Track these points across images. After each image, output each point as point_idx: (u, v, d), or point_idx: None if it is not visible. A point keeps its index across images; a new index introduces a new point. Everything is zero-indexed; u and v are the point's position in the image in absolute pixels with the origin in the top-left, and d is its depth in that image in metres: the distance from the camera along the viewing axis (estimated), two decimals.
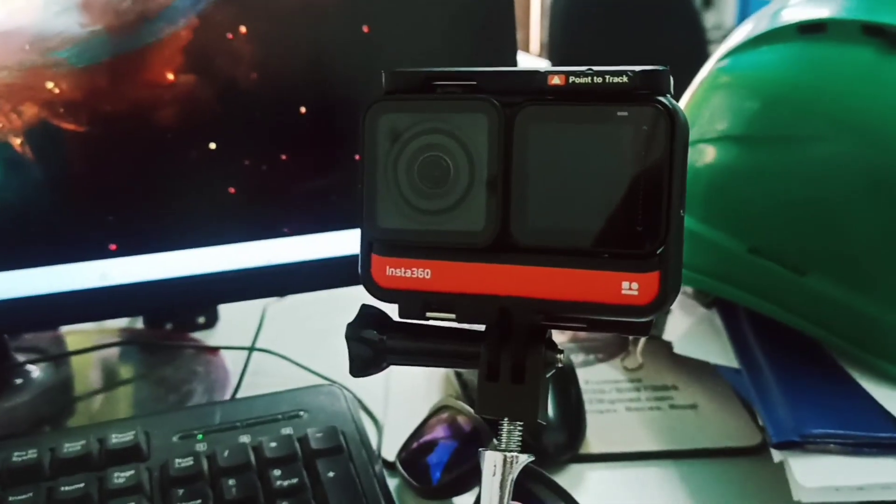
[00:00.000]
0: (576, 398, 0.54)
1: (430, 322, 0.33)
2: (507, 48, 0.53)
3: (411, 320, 0.34)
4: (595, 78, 0.30)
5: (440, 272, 0.33)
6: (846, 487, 0.41)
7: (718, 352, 0.54)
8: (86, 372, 0.61)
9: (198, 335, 0.68)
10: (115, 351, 0.64)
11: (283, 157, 0.50)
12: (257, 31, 0.49)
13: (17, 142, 0.46)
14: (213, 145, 0.49)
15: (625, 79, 0.29)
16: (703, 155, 0.56)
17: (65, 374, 0.61)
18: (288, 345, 0.64)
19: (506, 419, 0.32)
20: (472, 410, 0.51)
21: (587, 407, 0.54)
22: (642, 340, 0.60)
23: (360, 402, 0.58)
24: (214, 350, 0.64)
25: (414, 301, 0.33)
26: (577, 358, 0.63)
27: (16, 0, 0.45)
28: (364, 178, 0.33)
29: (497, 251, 0.31)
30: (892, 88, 0.48)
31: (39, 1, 0.45)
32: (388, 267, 0.33)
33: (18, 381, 0.58)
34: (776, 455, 0.44)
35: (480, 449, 0.32)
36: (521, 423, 0.32)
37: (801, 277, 0.49)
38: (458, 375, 0.58)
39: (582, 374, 0.59)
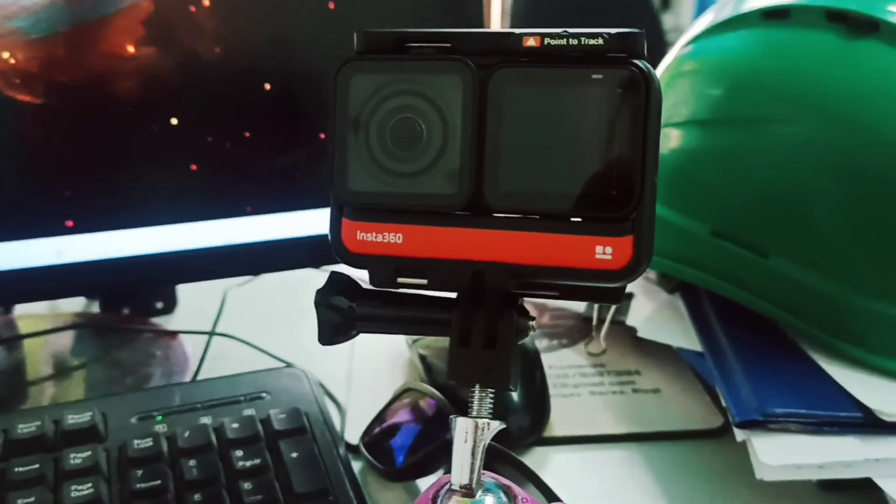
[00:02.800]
0: (540, 382, 0.54)
1: (401, 290, 0.33)
2: (474, 20, 0.53)
3: (382, 287, 0.33)
4: (570, 40, 0.30)
5: (412, 237, 0.32)
6: (808, 465, 0.42)
7: (682, 336, 0.54)
8: (39, 356, 0.60)
9: (156, 320, 0.66)
10: (70, 334, 0.62)
11: (247, 134, 0.50)
12: (221, 4, 0.48)
13: None
14: (174, 121, 0.48)
15: (600, 41, 0.29)
16: (668, 139, 0.56)
17: (17, 358, 0.59)
18: (249, 329, 0.63)
19: (477, 386, 0.31)
20: (436, 392, 0.50)
21: (551, 391, 0.54)
22: (606, 325, 0.60)
23: (322, 386, 0.57)
24: (173, 334, 0.63)
25: (385, 266, 0.33)
26: (541, 343, 0.62)
27: None
28: (335, 139, 0.32)
29: (470, 215, 0.31)
30: (856, 72, 0.48)
31: None
32: (358, 231, 0.33)
33: None
34: (739, 434, 0.44)
35: (452, 416, 0.31)
36: (493, 391, 0.32)
37: (763, 260, 0.50)
38: (423, 359, 0.57)
39: (546, 358, 0.59)
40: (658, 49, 2.54)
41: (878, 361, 0.47)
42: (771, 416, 0.44)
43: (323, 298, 0.33)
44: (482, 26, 0.53)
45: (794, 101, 0.49)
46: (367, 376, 0.59)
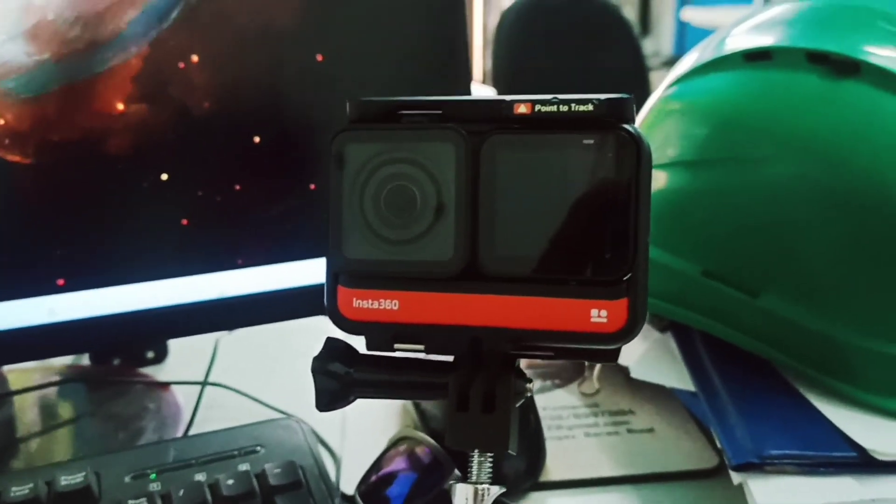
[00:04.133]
0: (535, 425, 0.54)
1: (398, 354, 0.33)
2: (462, 76, 0.53)
3: (379, 352, 0.33)
4: (561, 106, 0.30)
5: (408, 303, 0.32)
6: None
7: (674, 375, 0.54)
8: (30, 411, 0.59)
9: (147, 370, 0.66)
10: (60, 389, 0.62)
11: (237, 187, 0.50)
12: (210, 59, 0.48)
13: None
14: (164, 176, 0.48)
15: (590, 107, 0.30)
16: (655, 181, 0.56)
17: (7, 414, 0.59)
18: (241, 378, 0.63)
19: (476, 450, 0.31)
20: (431, 441, 0.50)
21: (546, 433, 0.54)
22: (598, 365, 0.60)
23: (317, 435, 0.56)
24: (165, 385, 0.62)
25: (382, 333, 0.33)
26: (534, 384, 0.62)
27: None
28: (330, 208, 0.33)
29: (466, 280, 0.31)
30: (839, 113, 0.49)
31: None
32: (355, 298, 0.33)
33: None
34: (735, 477, 0.44)
35: (451, 482, 0.31)
36: (492, 455, 0.32)
37: (754, 299, 0.50)
38: (416, 405, 0.57)
39: (539, 400, 0.59)
40: (639, 74, 2.57)
41: (871, 399, 0.48)
42: (767, 459, 0.44)
43: (320, 366, 0.34)
44: (470, 79, 0.53)
45: (778, 142, 0.50)
46: (362, 423, 0.59)
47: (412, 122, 0.32)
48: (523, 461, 0.52)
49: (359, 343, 0.34)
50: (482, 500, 0.31)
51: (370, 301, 0.33)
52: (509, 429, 0.31)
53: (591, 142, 0.30)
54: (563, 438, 0.56)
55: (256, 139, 0.50)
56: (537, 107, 0.31)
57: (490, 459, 0.32)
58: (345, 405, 0.34)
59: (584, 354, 0.32)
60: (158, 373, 0.66)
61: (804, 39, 0.51)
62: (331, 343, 0.34)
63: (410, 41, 0.52)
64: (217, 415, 0.59)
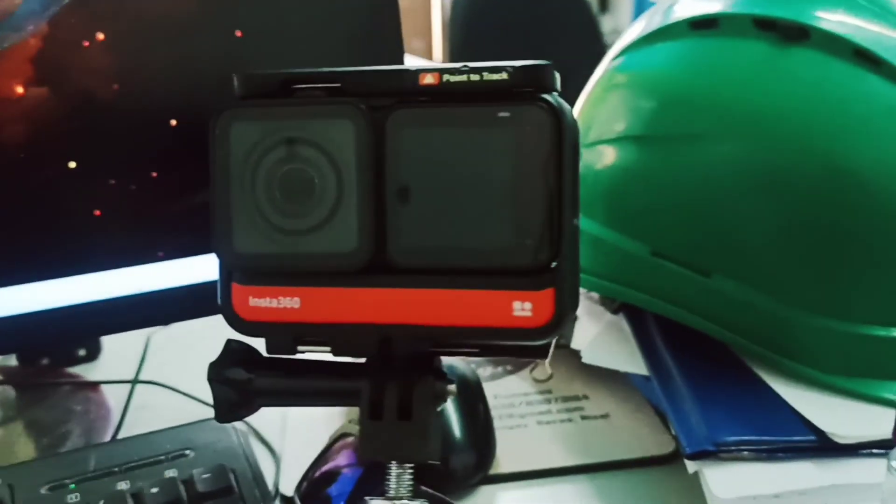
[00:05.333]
0: (484, 416, 0.51)
1: (305, 356, 0.30)
2: (393, 52, 0.50)
3: (282, 356, 0.30)
4: (472, 75, 0.27)
5: (310, 300, 0.29)
6: (763, 496, 0.40)
7: (627, 359, 0.52)
8: None
9: (78, 370, 0.62)
10: None
11: (154, 174, 0.46)
12: (117, 37, 0.45)
13: None
14: (72, 164, 0.45)
15: (504, 75, 0.27)
16: (603, 157, 0.54)
17: None
18: (176, 375, 0.60)
19: (394, 462, 0.29)
20: None
21: (497, 423, 0.52)
22: (551, 349, 0.58)
23: (254, 430, 0.54)
24: (94, 385, 0.59)
25: (283, 334, 0.30)
26: (484, 371, 0.60)
27: None
28: (216, 196, 0.29)
29: (373, 274, 0.28)
30: (787, 83, 0.47)
31: None
32: (250, 297, 0.30)
33: None
34: (690, 466, 0.42)
35: (367, 498, 0.29)
36: (411, 466, 0.29)
37: (705, 279, 0.48)
38: None
39: (490, 388, 0.57)
40: (597, 53, 2.56)
41: (829, 380, 0.46)
42: (722, 446, 0.42)
43: (216, 373, 0.30)
44: (401, 53, 0.50)
45: (723, 117, 0.47)
46: (303, 417, 0.56)
47: (307, 97, 0.29)
48: (472, 455, 0.49)
49: (262, 345, 0.31)
50: None
51: (268, 299, 0.30)
52: (429, 436, 0.28)
53: (507, 115, 0.27)
54: (515, 428, 0.54)
55: (173, 122, 0.46)
56: (445, 76, 0.27)
57: (410, 471, 0.29)
58: (248, 414, 0.31)
59: (511, 351, 0.29)
60: (90, 372, 0.62)
61: (751, 5, 0.49)
62: (230, 346, 0.31)
63: (337, 14, 0.49)
64: (149, 416, 0.56)
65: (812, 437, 0.42)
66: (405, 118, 0.28)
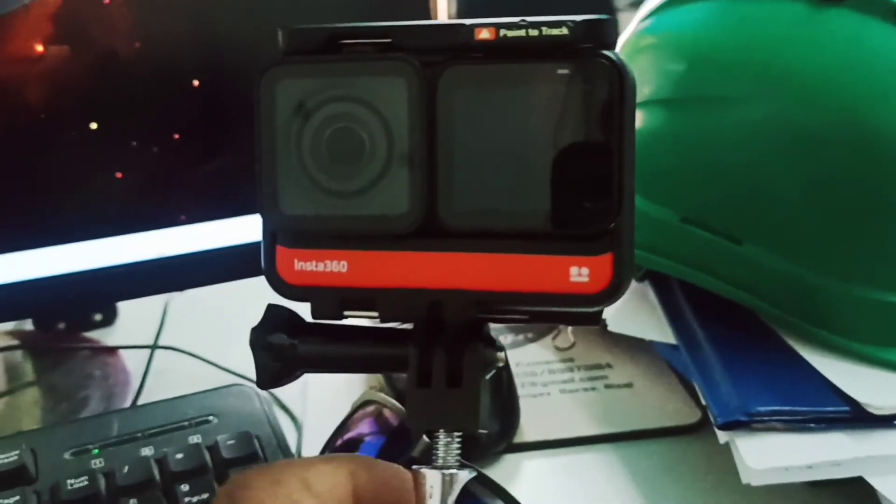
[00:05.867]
0: (507, 384, 0.51)
1: (349, 322, 0.29)
2: (420, 9, 0.49)
3: (327, 321, 0.29)
4: (530, 30, 0.26)
5: (358, 264, 0.28)
6: (796, 467, 0.40)
7: (654, 327, 0.52)
8: None
9: (94, 334, 0.62)
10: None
11: (176, 136, 0.45)
12: None
13: None
14: (94, 125, 0.44)
15: (565, 30, 0.25)
16: None
17: None
18: (194, 340, 0.60)
19: (442, 431, 0.28)
20: (397, 404, 0.47)
21: (520, 391, 0.51)
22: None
23: (276, 398, 0.53)
24: (112, 350, 0.58)
25: (329, 299, 0.29)
26: (506, 339, 0.59)
27: None
28: (262, 156, 0.28)
29: (424, 237, 0.27)
30: (823, 45, 0.46)
31: None
32: (296, 260, 0.29)
33: None
34: (722, 436, 0.42)
35: (414, 467, 0.28)
36: (460, 434, 0.28)
37: (737, 246, 0.47)
38: None
39: (512, 355, 0.57)
40: (605, 13, 2.54)
41: (864, 350, 0.45)
42: (755, 416, 0.41)
43: (259, 338, 0.30)
44: (428, 12, 0.49)
45: (756, 79, 0.46)
46: (325, 385, 0.55)
47: (356, 54, 0.28)
48: (496, 423, 0.49)
49: (305, 310, 0.30)
50: (450, 487, 0.28)
51: (314, 263, 0.29)
52: (478, 405, 0.28)
53: (567, 72, 0.26)
54: (538, 396, 0.53)
55: (195, 83, 0.45)
56: (502, 31, 0.26)
57: (458, 440, 0.28)
58: (290, 381, 0.30)
59: (563, 318, 0.28)
60: (107, 337, 0.62)
61: None
62: (272, 311, 0.30)
63: None
64: (169, 380, 0.56)
65: (846, 408, 0.42)
66: (459, 75, 0.27)
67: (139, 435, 0.44)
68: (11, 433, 0.47)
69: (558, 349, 0.58)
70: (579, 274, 0.26)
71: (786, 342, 0.47)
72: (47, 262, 0.44)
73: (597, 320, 0.27)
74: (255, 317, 0.30)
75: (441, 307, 0.27)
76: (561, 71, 0.26)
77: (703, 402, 0.45)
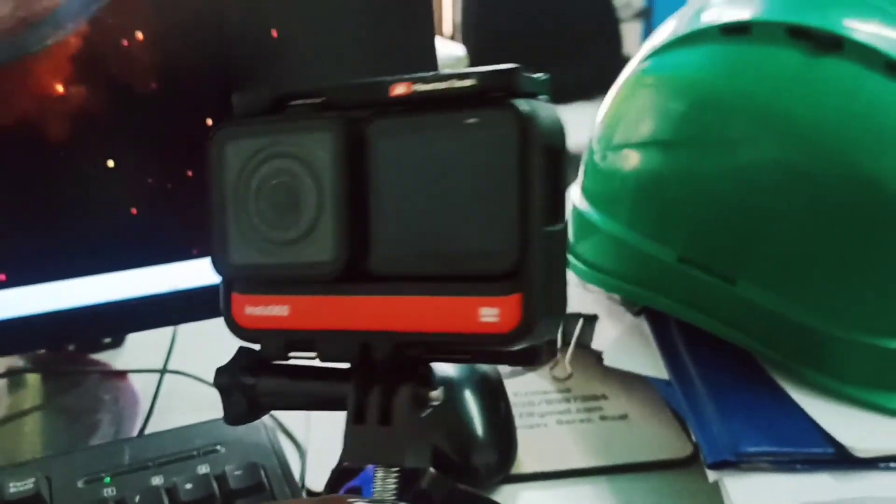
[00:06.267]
0: (505, 414, 0.52)
1: (306, 363, 0.31)
2: (426, 36, 0.50)
3: (282, 361, 0.32)
4: (439, 83, 0.28)
5: (298, 308, 0.31)
6: None
7: (649, 363, 0.53)
8: None
9: (103, 356, 0.63)
10: (10, 378, 0.59)
11: (189, 173, 0.47)
12: (156, 37, 0.45)
13: None
14: (111, 163, 0.45)
15: (472, 81, 0.27)
16: (629, 160, 0.54)
17: None
18: (202, 365, 0.61)
19: (379, 466, 0.30)
20: None
21: (518, 422, 0.53)
22: (570, 349, 0.59)
23: (280, 425, 0.55)
24: (122, 374, 0.60)
25: (275, 341, 0.32)
26: (503, 368, 0.61)
27: None
28: (214, 211, 0.31)
29: (351, 282, 0.29)
30: (820, 93, 0.47)
31: None
32: (247, 305, 0.32)
33: None
34: (711, 475, 0.43)
35: (350, 500, 0.30)
36: (397, 470, 0.30)
37: (731, 287, 0.49)
38: None
39: (510, 385, 0.57)
40: (609, 26, 2.54)
41: (853, 392, 0.47)
42: (743, 456, 0.43)
43: (223, 377, 0.32)
44: (433, 40, 0.51)
45: (754, 123, 0.48)
46: (328, 413, 0.57)
47: (294, 113, 0.30)
48: (494, 453, 0.50)
49: None
50: None
51: (262, 307, 0.31)
52: (406, 441, 0.29)
53: (474, 121, 0.27)
54: (535, 427, 0.54)
55: (209, 121, 0.47)
56: (416, 86, 0.28)
57: (394, 475, 0.30)
58: (255, 417, 0.33)
59: (500, 357, 0.30)
60: (115, 359, 0.63)
61: (784, 13, 0.49)
62: (241, 352, 0.33)
63: (368, 8, 0.49)
64: (176, 405, 0.57)
65: (830, 450, 0.43)
66: (381, 128, 0.28)
67: (149, 464, 0.45)
68: (27, 457, 0.49)
69: (556, 379, 0.59)
70: (489, 314, 0.27)
71: (775, 381, 0.48)
72: (65, 294, 0.46)
73: (532, 360, 0.29)
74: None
75: (369, 348, 0.29)
76: (469, 120, 0.27)
77: (695, 440, 0.46)
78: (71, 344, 0.60)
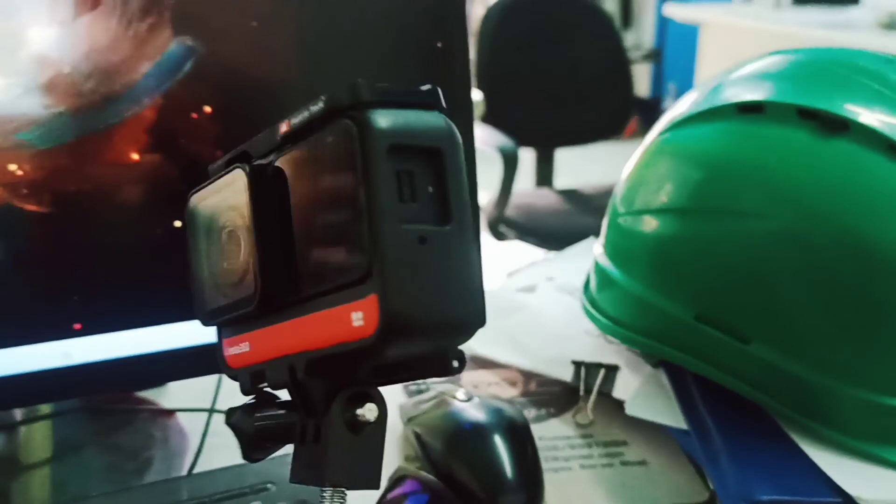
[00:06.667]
0: (533, 457, 0.55)
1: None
2: (464, 88, 0.55)
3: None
4: (303, 113, 0.30)
5: (253, 343, 0.34)
6: None
7: (667, 412, 0.57)
8: (36, 440, 0.60)
9: (148, 394, 0.67)
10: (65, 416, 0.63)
11: None
12: (221, 110, 0.49)
13: None
14: (178, 223, 0.49)
15: (321, 104, 0.29)
16: (647, 224, 0.58)
17: (14, 444, 0.60)
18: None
19: (329, 488, 0.31)
20: (430, 477, 0.52)
21: (543, 465, 0.56)
22: (593, 397, 0.62)
23: None
24: (170, 413, 0.64)
25: (244, 376, 0.34)
26: (529, 412, 0.64)
27: None
28: (191, 265, 0.35)
29: (272, 312, 0.31)
30: (827, 170, 0.51)
31: (0, 83, 0.45)
32: (227, 347, 0.35)
33: None
34: None
35: None
36: (342, 491, 0.31)
37: (744, 345, 0.52)
38: (417, 437, 0.59)
39: (535, 430, 0.61)
40: (621, 67, 2.59)
41: (858, 446, 0.50)
42: (756, 503, 0.46)
43: (228, 416, 0.35)
44: (470, 91, 0.55)
45: (767, 196, 0.52)
46: None
47: (231, 167, 0.33)
48: (523, 495, 0.54)
49: None
50: None
51: (234, 347, 0.35)
52: (326, 458, 0.30)
53: (328, 136, 0.29)
54: (560, 470, 0.58)
55: None
56: (292, 121, 0.31)
57: (340, 496, 0.31)
58: (267, 454, 0.35)
59: (429, 368, 0.30)
60: (158, 397, 0.67)
61: (795, 95, 0.53)
62: (259, 395, 0.35)
63: (410, 61, 0.54)
64: (221, 442, 0.60)
65: (838, 500, 0.47)
66: (278, 167, 0.31)
67: (206, 500, 0.49)
68: (85, 492, 0.52)
69: (579, 425, 0.63)
70: (357, 319, 0.28)
71: (787, 433, 0.52)
72: (132, 343, 0.50)
73: (446, 369, 0.30)
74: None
75: (294, 371, 0.31)
76: (328, 137, 0.29)
77: (712, 488, 0.50)
78: (142, 387, 0.64)
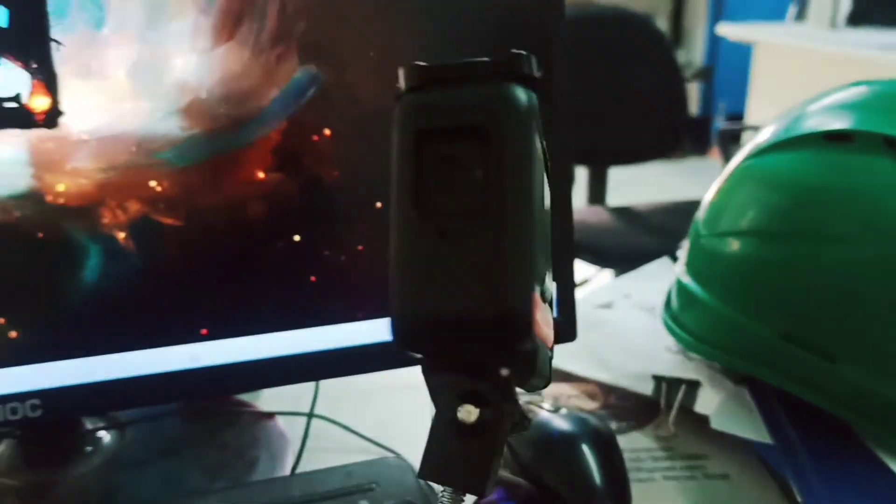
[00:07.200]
0: (620, 466, 0.58)
1: None
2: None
3: None
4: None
5: None
6: None
7: (752, 427, 0.59)
8: (150, 438, 0.64)
9: (246, 397, 0.71)
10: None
11: (360, 247, 0.55)
12: (340, 133, 0.53)
13: (120, 235, 0.50)
14: (297, 237, 0.53)
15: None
16: (731, 245, 0.61)
17: (126, 442, 0.64)
18: (340, 411, 0.68)
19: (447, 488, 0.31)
20: (520, 480, 0.55)
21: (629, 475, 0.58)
22: (674, 411, 0.65)
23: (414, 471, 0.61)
24: (271, 415, 0.67)
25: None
26: (611, 425, 0.67)
27: (125, 106, 0.49)
28: None
29: None
30: None
31: (146, 106, 0.49)
32: None
33: (89, 448, 0.61)
34: None
35: None
36: (459, 495, 0.31)
37: (831, 364, 0.55)
38: (507, 443, 0.61)
39: (620, 441, 0.64)
40: (675, 86, 2.60)
41: None
42: None
43: None
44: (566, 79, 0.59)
45: (858, 222, 0.54)
46: None
47: None
48: (612, 502, 0.56)
49: None
50: None
51: None
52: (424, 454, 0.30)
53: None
54: (644, 481, 0.60)
55: (378, 204, 0.54)
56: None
57: (456, 499, 0.31)
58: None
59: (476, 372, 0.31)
60: (255, 399, 0.71)
61: (882, 125, 0.55)
62: None
63: None
64: (316, 446, 0.64)
65: None
66: None
67: (317, 497, 0.52)
68: (197, 487, 0.56)
69: (660, 438, 0.65)
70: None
71: (872, 450, 0.54)
72: (253, 348, 0.54)
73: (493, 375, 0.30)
74: (396, 388, 0.36)
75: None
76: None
77: (798, 500, 0.52)
78: (260, 389, 0.68)
